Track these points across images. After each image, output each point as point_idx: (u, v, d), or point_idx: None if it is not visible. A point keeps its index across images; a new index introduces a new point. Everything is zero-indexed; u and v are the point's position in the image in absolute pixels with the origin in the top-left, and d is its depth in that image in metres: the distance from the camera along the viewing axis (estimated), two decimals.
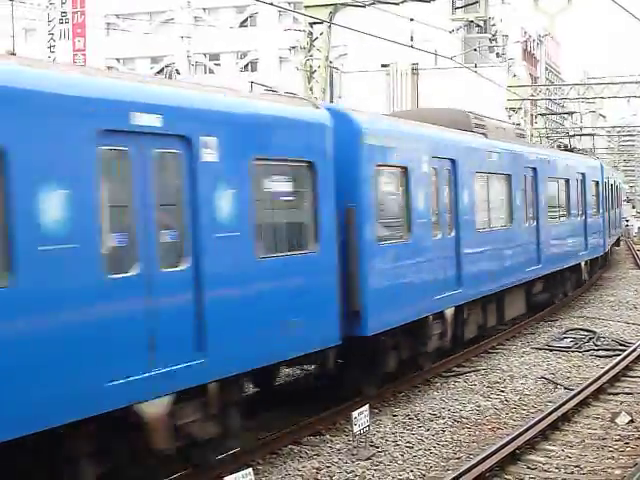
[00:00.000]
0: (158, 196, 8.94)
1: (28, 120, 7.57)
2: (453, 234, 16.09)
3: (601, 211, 31.22)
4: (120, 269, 8.45)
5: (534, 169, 21.65)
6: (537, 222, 21.54)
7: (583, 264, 27.54)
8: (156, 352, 8.68)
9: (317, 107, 12.68)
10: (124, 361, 8.36)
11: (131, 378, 8.38)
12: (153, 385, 8.66)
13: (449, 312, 15.79)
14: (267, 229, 11.01)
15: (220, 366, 9.64)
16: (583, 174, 27.41)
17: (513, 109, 45.47)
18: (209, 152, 9.62)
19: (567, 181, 25.56)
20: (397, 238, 14.15)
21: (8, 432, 7.22)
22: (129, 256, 8.60)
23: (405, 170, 14.26)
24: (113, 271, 8.32)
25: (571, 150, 32.30)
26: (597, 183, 30.90)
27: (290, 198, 11.84)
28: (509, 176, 19.66)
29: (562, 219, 25.02)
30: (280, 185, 11.62)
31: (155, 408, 8.80)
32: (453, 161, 16.19)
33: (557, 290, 24.82)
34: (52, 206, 7.66)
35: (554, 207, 24.04)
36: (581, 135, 58.92)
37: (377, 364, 13.68)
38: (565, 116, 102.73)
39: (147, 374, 8.56)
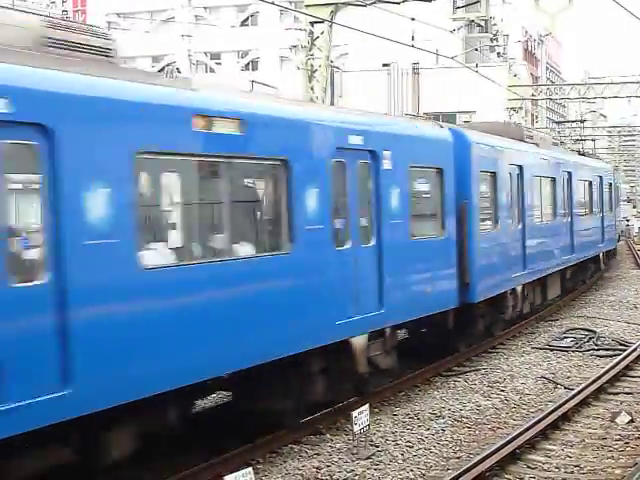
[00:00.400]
0: (359, 193, 12.79)
1: (303, 140, 11.52)
2: (520, 226, 19.97)
3: (614, 209, 35.57)
4: (341, 244, 12.18)
5: (569, 173, 25.67)
6: (571, 218, 25.46)
7: (601, 254, 31.86)
8: (358, 304, 12.43)
9: (441, 127, 16.92)
10: (344, 308, 12.11)
11: (348, 320, 12.16)
12: (359, 326, 12.49)
13: (519, 288, 19.89)
14: (415, 218, 14.69)
15: (392, 316, 13.54)
16: (601, 177, 31.83)
17: (514, 109, 45.48)
18: (387, 162, 13.43)
19: (590, 183, 29.79)
20: (489, 228, 18.14)
21: (292, 348, 11.01)
22: (344, 235, 12.37)
23: (494, 175, 18.33)
24: (336, 245, 12.04)
25: (583, 154, 34.47)
26: (610, 185, 35.12)
27: (427, 195, 16.03)
28: (554, 179, 23.72)
29: (587, 216, 29.07)
30: (422, 185, 15.84)
31: (359, 342, 12.57)
32: (521, 167, 20.16)
33: (583, 276, 29.20)
34: (310, 199, 11.43)
35: (581, 205, 28.08)
36: (583, 139, 59.03)
37: (473, 327, 17.67)
38: (567, 116, 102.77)
39: (355, 318, 12.31)
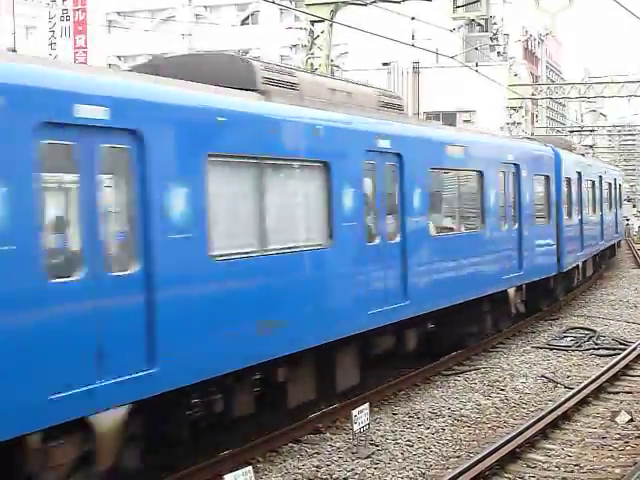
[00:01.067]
0: (513, 194, 19.11)
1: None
2: (579, 217, 26.34)
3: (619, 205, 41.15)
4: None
5: (600, 176, 32.56)
6: (601, 211, 32.46)
7: (616, 244, 39.29)
8: (509, 267, 18.75)
9: (545, 145, 23.58)
10: (503, 272, 18.50)
11: (507, 276, 18.31)
12: (511, 281, 18.86)
13: (580, 265, 26.47)
14: (535, 210, 20.93)
15: (528, 276, 20.01)
16: (615, 178, 38.67)
17: (514, 108, 45.47)
18: (524, 171, 19.63)
19: (610, 184, 36.37)
20: (567, 219, 24.14)
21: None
22: (513, 218, 19.23)
23: (569, 180, 24.83)
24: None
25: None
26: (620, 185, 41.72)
27: (540, 194, 21.86)
28: (593, 182, 30.70)
29: (611, 210, 36.43)
30: (537, 187, 21.55)
31: (511, 292, 19.01)
32: (579, 173, 26.63)
33: (602, 262, 35.33)
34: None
35: (606, 201, 34.70)
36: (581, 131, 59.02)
37: (565, 285, 24.73)
38: (567, 116, 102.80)
39: (510, 275, 18.69)
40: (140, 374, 8.62)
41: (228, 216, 10.45)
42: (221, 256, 9.94)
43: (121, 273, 8.60)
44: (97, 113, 8.32)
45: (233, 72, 11.42)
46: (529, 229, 19.97)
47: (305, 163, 11.74)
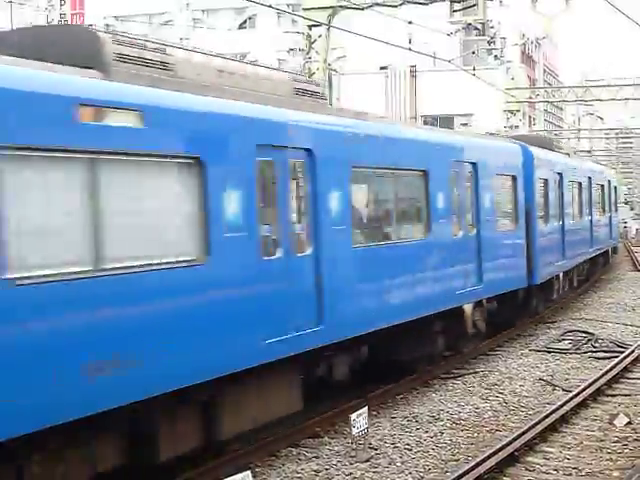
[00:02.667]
0: (469, 197, 17.36)
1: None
2: (560, 223, 24.19)
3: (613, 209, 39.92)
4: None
5: (589, 178, 30.74)
6: (590, 216, 30.31)
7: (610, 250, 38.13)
8: (467, 280, 16.72)
9: (514, 142, 21.42)
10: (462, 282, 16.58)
11: (463, 291, 16.38)
12: (468, 297, 16.77)
13: (561, 275, 24.36)
14: (500, 215, 19.23)
15: (488, 290, 17.82)
16: (609, 181, 37.82)
17: (511, 111, 45.49)
18: (483, 172, 17.68)
19: (602, 186, 35.20)
20: (541, 225, 21.82)
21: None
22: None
23: (546, 181, 22.69)
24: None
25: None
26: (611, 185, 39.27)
27: (508, 197, 19.86)
28: (580, 183, 28.74)
29: (604, 214, 35.43)
30: (502, 188, 19.53)
31: (467, 308, 16.89)
32: (561, 174, 24.49)
33: (595, 271, 33.66)
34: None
35: (596, 204, 32.95)
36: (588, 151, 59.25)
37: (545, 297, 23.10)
38: (564, 119, 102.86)
39: (466, 290, 16.55)
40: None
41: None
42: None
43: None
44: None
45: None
46: (491, 236, 17.63)
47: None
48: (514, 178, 19.61)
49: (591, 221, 30.07)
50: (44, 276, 7.79)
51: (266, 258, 10.73)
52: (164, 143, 9.37)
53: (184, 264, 9.39)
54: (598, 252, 32.12)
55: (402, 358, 15.22)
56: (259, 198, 10.66)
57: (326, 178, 12.03)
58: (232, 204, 10.15)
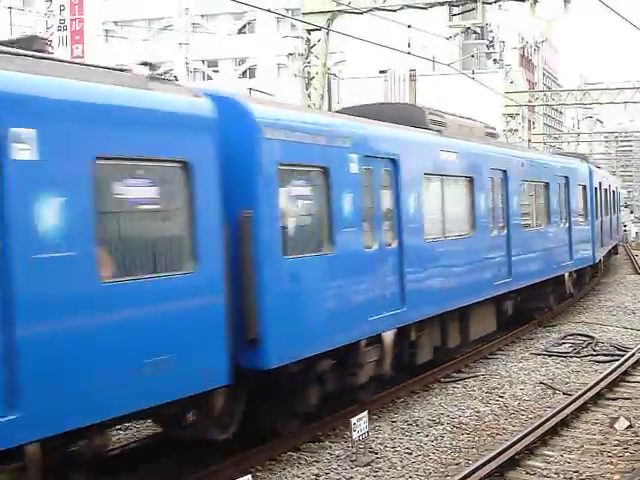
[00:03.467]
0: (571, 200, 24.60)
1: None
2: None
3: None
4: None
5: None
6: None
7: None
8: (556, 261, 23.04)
9: (584, 161, 28.82)
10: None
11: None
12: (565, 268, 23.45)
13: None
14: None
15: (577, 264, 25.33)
16: (567, 177, 29.89)
17: (511, 115, 45.51)
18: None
19: (606, 190, 36.21)
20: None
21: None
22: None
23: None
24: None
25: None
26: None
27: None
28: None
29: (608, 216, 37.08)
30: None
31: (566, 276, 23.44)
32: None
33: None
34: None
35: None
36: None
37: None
38: (563, 122, 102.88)
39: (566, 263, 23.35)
40: (397, 311, 13.39)
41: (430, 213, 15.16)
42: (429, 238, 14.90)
43: (390, 247, 13.60)
44: (379, 150, 13.37)
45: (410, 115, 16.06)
46: (580, 228, 25.91)
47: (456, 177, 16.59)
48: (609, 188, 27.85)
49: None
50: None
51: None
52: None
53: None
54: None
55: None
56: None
57: (511, 187, 19.23)
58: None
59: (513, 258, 18.94)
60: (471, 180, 17.11)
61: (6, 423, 7.20)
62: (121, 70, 9.29)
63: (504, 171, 19.14)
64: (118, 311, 8.36)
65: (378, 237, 13.22)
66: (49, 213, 7.68)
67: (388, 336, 13.29)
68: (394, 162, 13.78)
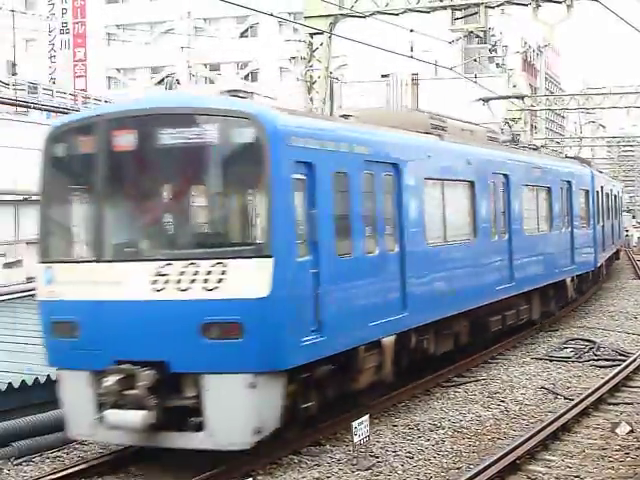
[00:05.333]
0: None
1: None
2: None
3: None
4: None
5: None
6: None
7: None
8: (573, 260, 24.92)
9: (586, 166, 30.38)
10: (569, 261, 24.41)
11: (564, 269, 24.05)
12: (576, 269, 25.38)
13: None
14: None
15: (580, 268, 26.14)
16: (569, 182, 29.47)
17: (513, 119, 45.49)
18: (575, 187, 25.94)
19: (607, 195, 37.03)
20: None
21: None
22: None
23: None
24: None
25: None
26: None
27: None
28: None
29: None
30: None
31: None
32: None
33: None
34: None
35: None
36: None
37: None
38: (565, 127, 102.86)
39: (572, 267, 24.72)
40: (399, 316, 13.86)
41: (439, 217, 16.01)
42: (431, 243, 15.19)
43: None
44: (380, 155, 13.55)
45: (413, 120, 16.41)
46: (582, 233, 26.81)
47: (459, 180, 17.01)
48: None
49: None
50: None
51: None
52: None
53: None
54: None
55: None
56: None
57: (514, 191, 19.82)
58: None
59: (515, 262, 19.02)
60: (472, 184, 17.15)
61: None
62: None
63: (506, 175, 19.19)
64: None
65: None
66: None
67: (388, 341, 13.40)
68: (396, 167, 13.86)
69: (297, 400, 11.24)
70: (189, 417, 10.47)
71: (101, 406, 10.60)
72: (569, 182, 24.97)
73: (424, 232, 14.77)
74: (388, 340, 13.20)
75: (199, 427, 10.43)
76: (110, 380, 10.30)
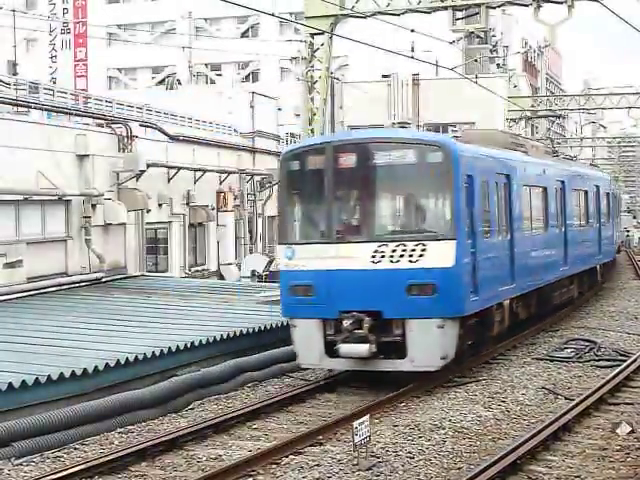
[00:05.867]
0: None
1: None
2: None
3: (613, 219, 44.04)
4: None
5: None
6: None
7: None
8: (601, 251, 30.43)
9: (594, 168, 38.61)
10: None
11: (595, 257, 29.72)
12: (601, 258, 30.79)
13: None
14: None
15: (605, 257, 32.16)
16: (597, 186, 36.61)
17: (514, 120, 45.52)
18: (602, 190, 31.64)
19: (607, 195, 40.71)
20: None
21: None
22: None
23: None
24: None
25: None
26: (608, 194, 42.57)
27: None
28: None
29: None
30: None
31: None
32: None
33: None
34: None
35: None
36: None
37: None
38: (565, 126, 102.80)
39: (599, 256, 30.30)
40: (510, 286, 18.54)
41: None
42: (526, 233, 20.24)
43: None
44: (502, 169, 18.54)
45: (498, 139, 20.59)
46: (608, 228, 32.79)
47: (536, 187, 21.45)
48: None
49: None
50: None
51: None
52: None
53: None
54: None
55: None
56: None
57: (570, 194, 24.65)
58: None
59: (568, 250, 24.13)
60: (545, 189, 22.28)
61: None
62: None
63: (562, 182, 24.26)
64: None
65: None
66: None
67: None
68: (508, 177, 18.91)
69: (464, 339, 15.96)
70: (395, 349, 15.11)
71: (327, 344, 15.38)
72: (597, 186, 30.39)
73: (523, 224, 19.72)
74: (506, 302, 18.32)
75: (402, 356, 15.06)
76: (347, 323, 14.93)
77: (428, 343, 14.96)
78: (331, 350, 15.28)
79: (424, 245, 15.06)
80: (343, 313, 15.06)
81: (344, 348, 14.97)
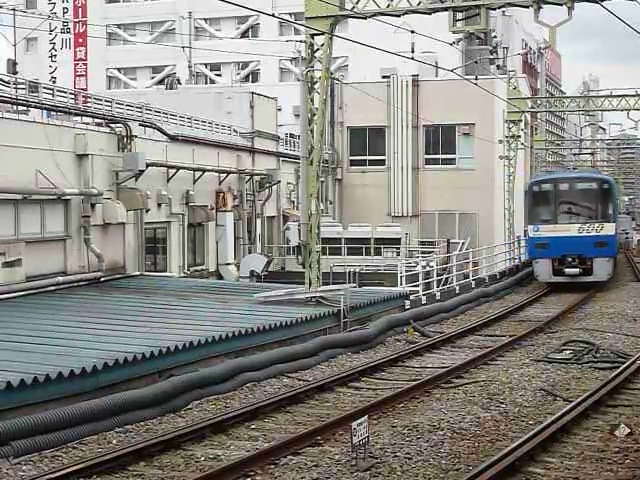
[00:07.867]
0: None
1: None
2: None
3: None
4: None
5: None
6: None
7: None
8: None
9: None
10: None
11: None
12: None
13: None
14: None
15: None
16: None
17: (513, 121, 45.51)
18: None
19: None
20: None
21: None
22: None
23: None
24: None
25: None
26: None
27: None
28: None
29: None
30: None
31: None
32: None
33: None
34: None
35: None
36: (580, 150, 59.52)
37: None
38: (565, 128, 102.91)
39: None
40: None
41: None
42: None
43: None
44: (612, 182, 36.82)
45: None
46: None
47: None
48: None
49: None
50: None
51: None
52: None
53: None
54: None
55: None
56: None
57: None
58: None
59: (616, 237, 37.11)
60: None
61: None
62: None
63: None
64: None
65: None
66: None
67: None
68: (609, 183, 35.05)
69: (614, 266, 35.56)
70: (588, 271, 32.68)
71: (554, 270, 32.76)
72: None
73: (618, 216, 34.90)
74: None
75: (591, 274, 32.51)
76: (569, 259, 32.42)
77: (603, 268, 32.63)
78: (555, 272, 32.51)
79: (601, 224, 32.66)
80: (564, 255, 32.32)
81: (567, 271, 32.31)
